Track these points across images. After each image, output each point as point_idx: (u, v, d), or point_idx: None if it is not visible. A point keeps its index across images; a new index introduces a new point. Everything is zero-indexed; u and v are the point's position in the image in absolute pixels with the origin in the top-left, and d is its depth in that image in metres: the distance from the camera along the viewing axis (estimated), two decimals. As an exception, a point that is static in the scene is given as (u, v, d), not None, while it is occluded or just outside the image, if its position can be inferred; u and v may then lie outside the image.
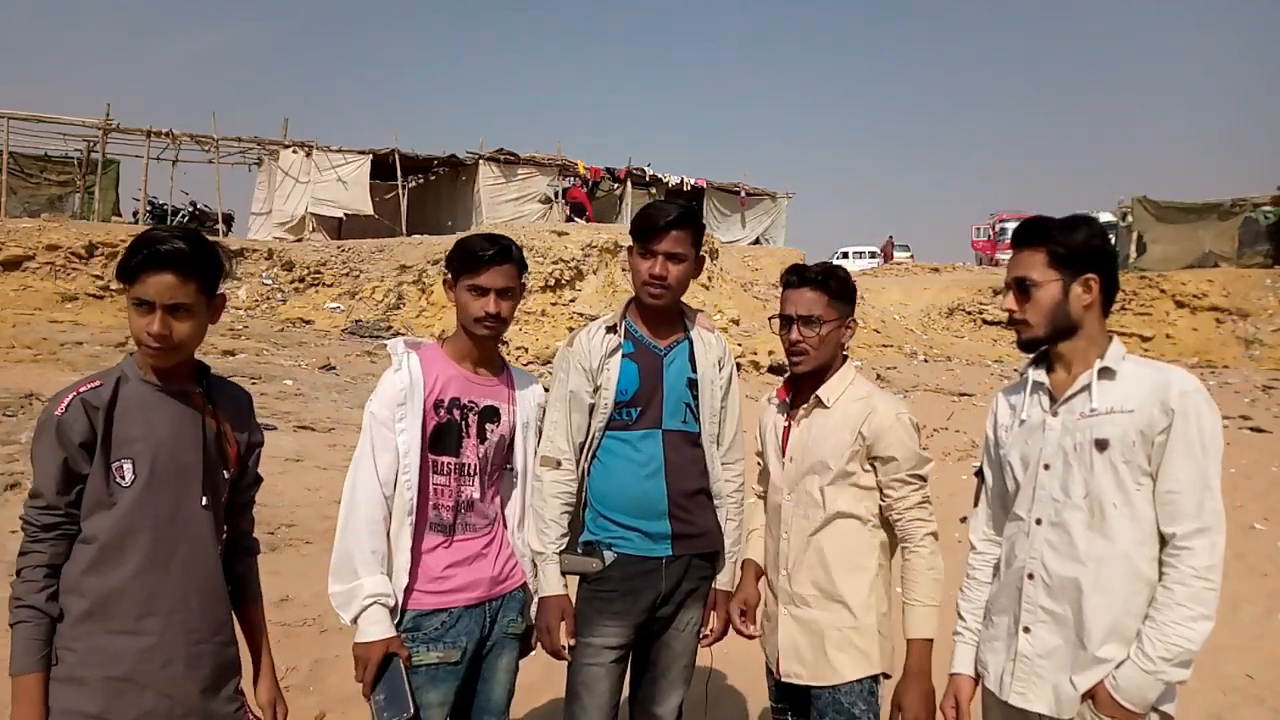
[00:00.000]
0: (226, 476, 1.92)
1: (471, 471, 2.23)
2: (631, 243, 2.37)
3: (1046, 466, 1.89)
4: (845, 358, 2.32)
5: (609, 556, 2.33)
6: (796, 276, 2.27)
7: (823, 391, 2.25)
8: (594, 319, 2.96)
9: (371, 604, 2.07)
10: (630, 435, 2.34)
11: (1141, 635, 1.75)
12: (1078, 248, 1.87)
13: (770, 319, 2.37)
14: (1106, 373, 1.85)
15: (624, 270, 16.19)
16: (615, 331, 2.39)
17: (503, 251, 2.20)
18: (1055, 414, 1.89)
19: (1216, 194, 23.10)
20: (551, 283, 16.57)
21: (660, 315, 2.40)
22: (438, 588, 2.17)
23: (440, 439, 2.19)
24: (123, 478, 1.76)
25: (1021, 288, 1.91)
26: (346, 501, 2.14)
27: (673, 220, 2.30)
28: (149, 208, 20.71)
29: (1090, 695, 1.79)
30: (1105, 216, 27.16)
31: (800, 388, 2.32)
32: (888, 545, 2.25)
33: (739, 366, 15.15)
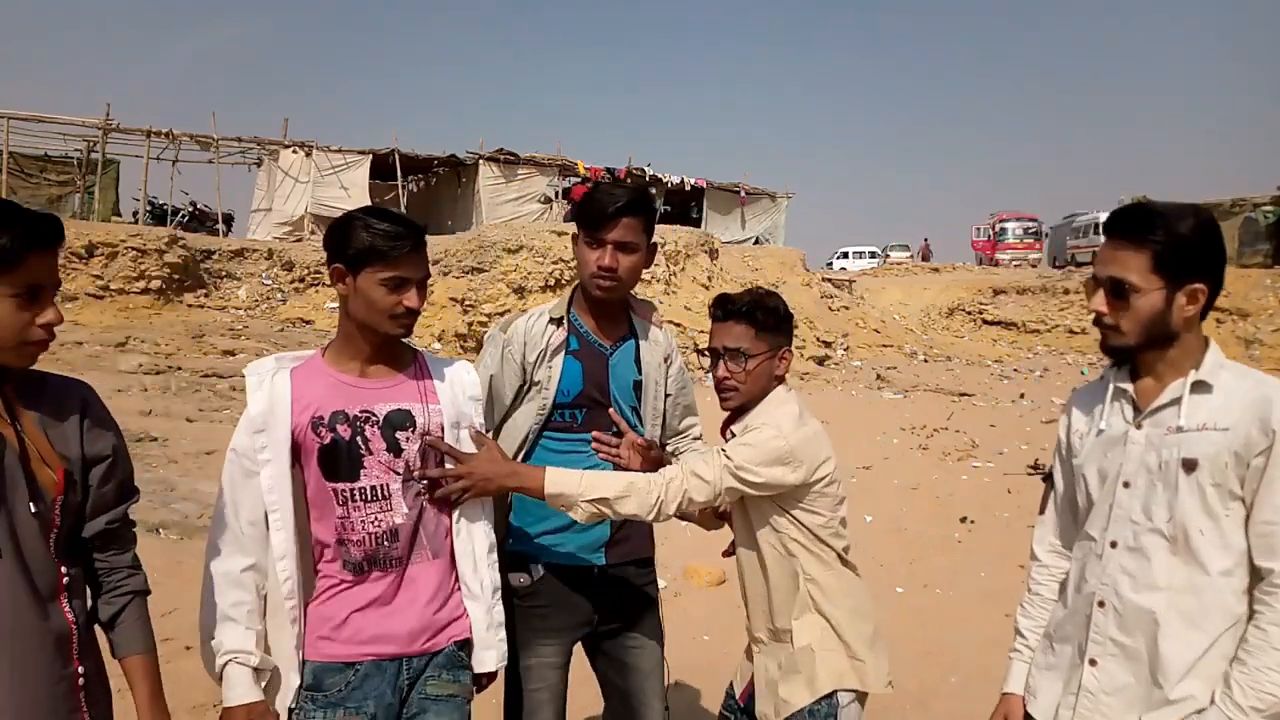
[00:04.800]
0: (34, 510, 1.46)
1: (383, 494, 1.86)
2: (578, 230, 2.18)
3: (1126, 484, 1.69)
4: (780, 385, 2.15)
5: (536, 571, 2.18)
6: (721, 309, 2.12)
7: (737, 426, 2.12)
8: None
9: (227, 662, 1.77)
10: (575, 438, 2.19)
11: (1230, 680, 1.57)
12: (1188, 250, 1.61)
13: (698, 352, 2.28)
14: (1201, 386, 1.64)
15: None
16: (560, 325, 2.21)
17: (420, 234, 1.89)
18: (1139, 426, 1.69)
19: (1216, 194, 23.12)
20: (551, 283, 16.55)
21: (607, 309, 2.23)
22: (340, 635, 1.84)
23: (330, 464, 1.83)
24: None
25: (1118, 291, 1.65)
26: (207, 548, 1.83)
27: (622, 207, 2.10)
28: (149, 208, 20.70)
29: None
30: (1105, 216, 27.15)
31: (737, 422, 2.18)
32: (808, 569, 2.07)
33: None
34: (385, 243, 1.80)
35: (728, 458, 1.98)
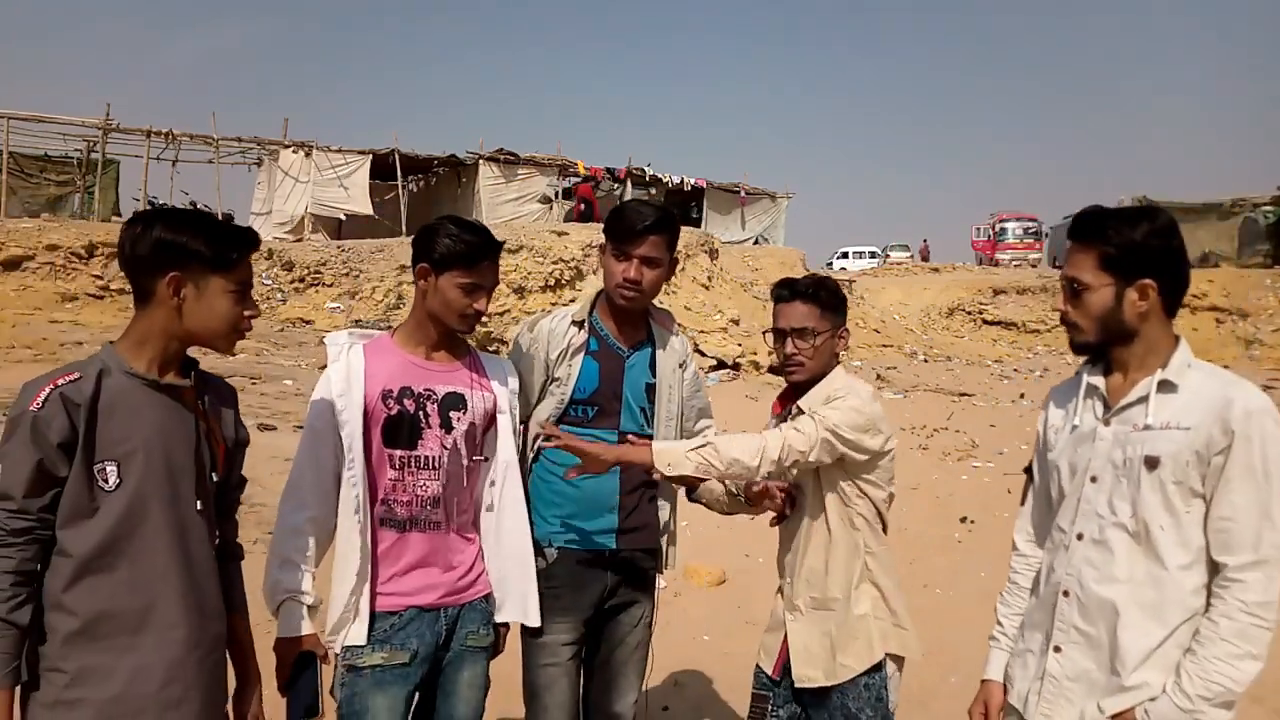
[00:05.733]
0: (215, 479, 1.80)
1: (435, 464, 2.12)
2: (606, 241, 2.35)
3: (1094, 479, 1.76)
4: (837, 363, 2.33)
5: (551, 554, 2.33)
6: (788, 290, 2.28)
7: (804, 401, 2.25)
8: None
9: (286, 599, 2.01)
10: (584, 432, 2.31)
11: (1181, 670, 1.63)
12: (1134, 250, 1.70)
13: (764, 333, 2.40)
14: (1167, 385, 1.69)
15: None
16: (582, 327, 2.38)
17: (499, 249, 2.14)
18: (1107, 423, 1.76)
19: (1216, 194, 23.11)
20: (551, 283, 16.55)
21: (629, 316, 2.40)
22: (391, 589, 2.09)
23: (393, 432, 2.09)
24: (105, 481, 1.60)
25: (1072, 289, 1.77)
26: (280, 501, 2.09)
27: (650, 225, 2.28)
28: (149, 208, 20.70)
29: None
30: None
31: (795, 399, 2.32)
32: (869, 542, 2.24)
33: (738, 366, 15.19)
34: (469, 252, 2.07)
35: (822, 418, 2.13)
